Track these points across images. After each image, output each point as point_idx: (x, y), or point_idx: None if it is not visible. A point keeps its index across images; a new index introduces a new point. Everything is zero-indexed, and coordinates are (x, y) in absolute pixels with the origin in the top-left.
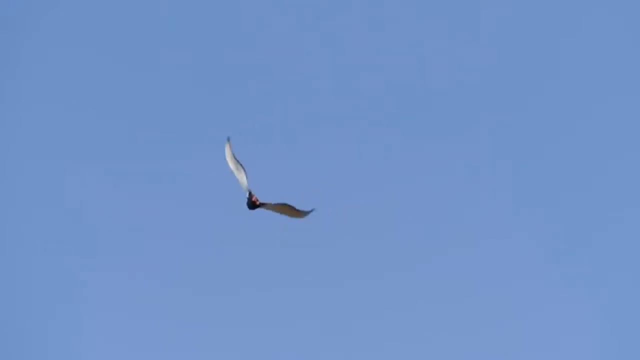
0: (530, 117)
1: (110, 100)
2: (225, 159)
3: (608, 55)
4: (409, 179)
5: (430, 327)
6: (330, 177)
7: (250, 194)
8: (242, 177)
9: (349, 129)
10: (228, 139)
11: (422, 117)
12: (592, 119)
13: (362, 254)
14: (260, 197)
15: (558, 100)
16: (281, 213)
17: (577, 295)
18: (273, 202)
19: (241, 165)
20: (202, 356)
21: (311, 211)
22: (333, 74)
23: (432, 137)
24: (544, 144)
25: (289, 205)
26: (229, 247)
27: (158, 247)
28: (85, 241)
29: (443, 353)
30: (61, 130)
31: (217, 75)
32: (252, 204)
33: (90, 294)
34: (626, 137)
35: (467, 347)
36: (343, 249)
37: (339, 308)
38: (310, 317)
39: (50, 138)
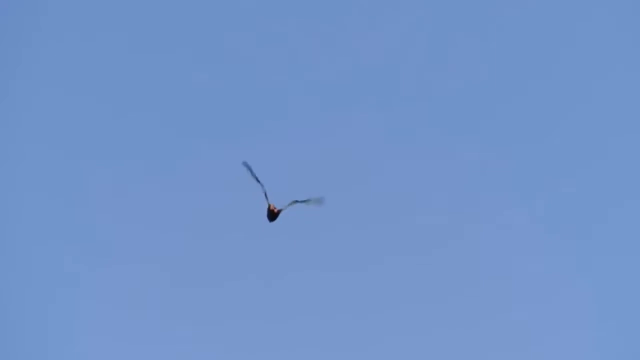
0: (528, 97)
1: (108, 90)
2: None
3: (606, 37)
4: (406, 165)
5: (431, 317)
6: (324, 169)
7: (269, 206)
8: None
9: (352, 112)
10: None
11: (420, 100)
12: (593, 99)
13: (358, 242)
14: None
15: (559, 79)
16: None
17: (578, 283)
18: (287, 205)
19: (259, 181)
20: (197, 348)
21: (320, 199)
22: (339, 62)
23: (430, 121)
24: (544, 128)
25: (300, 201)
26: (225, 240)
27: (153, 239)
28: (79, 233)
29: (444, 344)
30: (61, 121)
31: (222, 66)
32: (272, 214)
33: (84, 286)
34: (628, 119)
35: (469, 333)
36: (339, 239)
37: (339, 299)
38: (310, 313)
39: (49, 128)
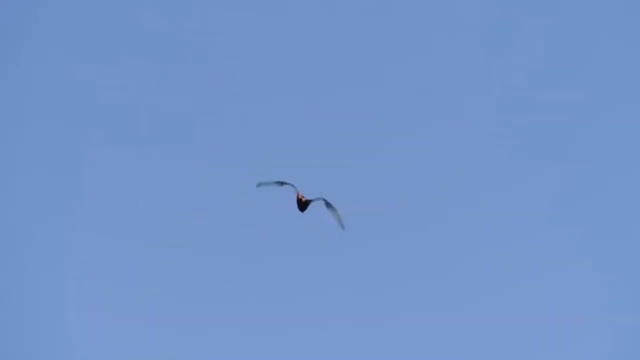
0: (532, 63)
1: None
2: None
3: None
4: (408, 133)
5: (434, 288)
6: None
7: (297, 196)
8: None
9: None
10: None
11: (420, 69)
12: (598, 65)
13: (363, 215)
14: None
15: (564, 43)
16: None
17: (583, 252)
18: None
19: (282, 182)
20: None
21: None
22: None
23: (432, 90)
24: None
25: (329, 206)
26: (222, 217)
27: (153, 220)
28: (77, 205)
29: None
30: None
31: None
32: (300, 203)
33: (81, 261)
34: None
35: (472, 305)
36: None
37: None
38: (312, 293)
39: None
